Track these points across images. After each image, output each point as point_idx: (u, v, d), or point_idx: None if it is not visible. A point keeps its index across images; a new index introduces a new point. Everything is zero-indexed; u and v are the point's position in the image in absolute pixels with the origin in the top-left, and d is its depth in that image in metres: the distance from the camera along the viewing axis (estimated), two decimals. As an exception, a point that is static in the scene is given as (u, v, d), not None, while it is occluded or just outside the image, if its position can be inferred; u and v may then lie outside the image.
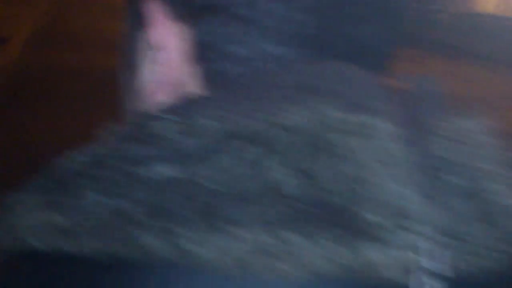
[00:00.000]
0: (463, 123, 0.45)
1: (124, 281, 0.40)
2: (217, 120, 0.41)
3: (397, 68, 0.55)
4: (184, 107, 0.45)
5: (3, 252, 0.43)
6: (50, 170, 0.43)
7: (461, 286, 0.39)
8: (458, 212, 0.40)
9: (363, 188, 0.39)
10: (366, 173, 0.39)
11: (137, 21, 0.52)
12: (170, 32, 0.50)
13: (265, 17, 0.48)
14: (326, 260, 0.37)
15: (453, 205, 0.40)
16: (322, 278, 0.37)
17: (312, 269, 0.37)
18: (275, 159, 0.39)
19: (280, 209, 0.38)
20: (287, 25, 0.48)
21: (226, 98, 0.45)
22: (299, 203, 0.38)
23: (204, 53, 0.49)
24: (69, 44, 7.82)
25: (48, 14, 9.65)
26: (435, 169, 0.42)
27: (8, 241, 0.43)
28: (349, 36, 0.49)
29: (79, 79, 6.22)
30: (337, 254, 0.37)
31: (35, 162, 1.06)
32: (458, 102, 0.48)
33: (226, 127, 0.41)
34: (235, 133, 0.40)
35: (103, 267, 0.41)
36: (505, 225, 0.41)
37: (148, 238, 0.38)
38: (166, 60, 0.51)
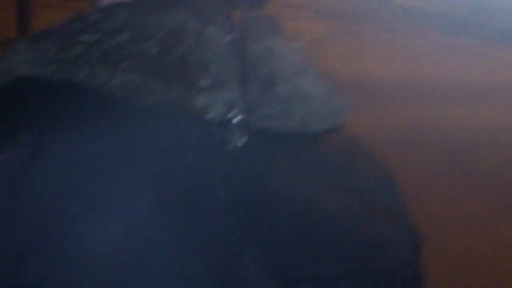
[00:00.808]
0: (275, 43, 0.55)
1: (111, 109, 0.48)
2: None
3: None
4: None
5: None
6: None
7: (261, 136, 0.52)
8: (263, 93, 0.53)
9: (196, 66, 0.51)
10: (204, 59, 0.51)
11: None
12: None
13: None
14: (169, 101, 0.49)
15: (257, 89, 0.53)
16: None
17: (157, 104, 0.49)
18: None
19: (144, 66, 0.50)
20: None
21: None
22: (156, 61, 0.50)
23: None
24: None
25: None
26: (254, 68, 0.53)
27: (2, 69, 0.45)
28: None
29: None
30: (177, 98, 0.49)
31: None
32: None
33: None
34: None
35: (90, 94, 0.46)
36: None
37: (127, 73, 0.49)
38: None
